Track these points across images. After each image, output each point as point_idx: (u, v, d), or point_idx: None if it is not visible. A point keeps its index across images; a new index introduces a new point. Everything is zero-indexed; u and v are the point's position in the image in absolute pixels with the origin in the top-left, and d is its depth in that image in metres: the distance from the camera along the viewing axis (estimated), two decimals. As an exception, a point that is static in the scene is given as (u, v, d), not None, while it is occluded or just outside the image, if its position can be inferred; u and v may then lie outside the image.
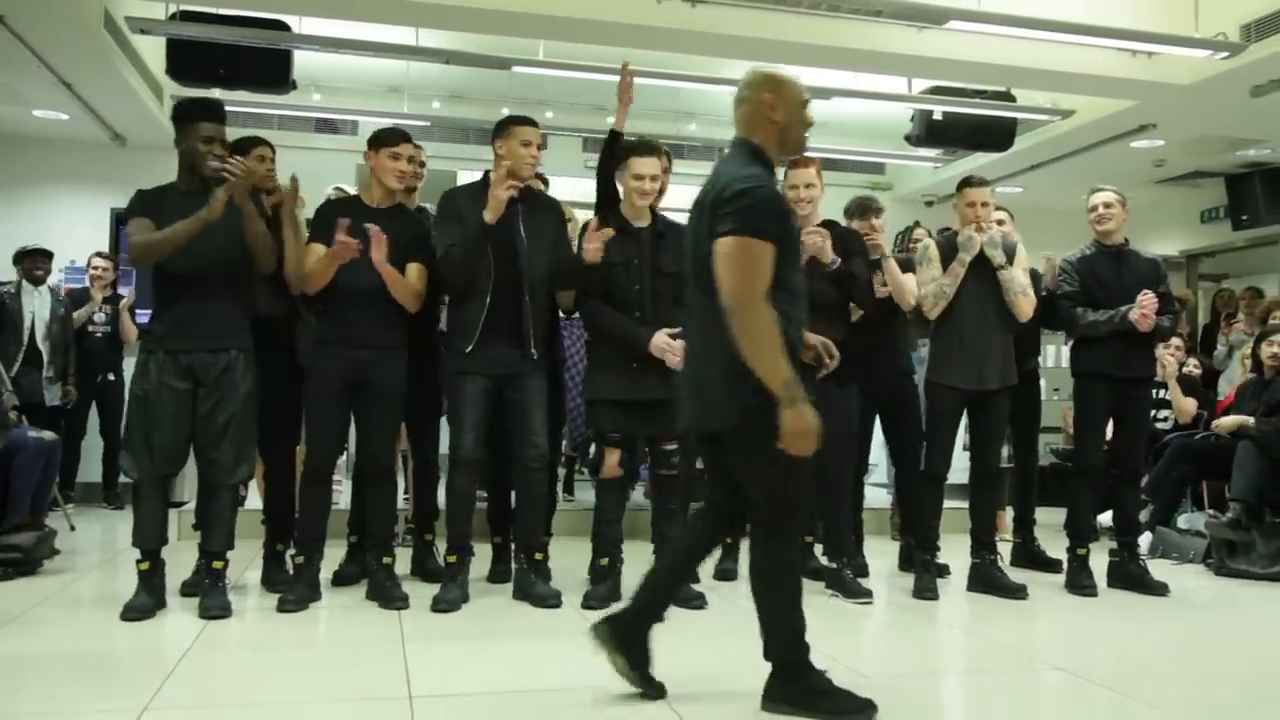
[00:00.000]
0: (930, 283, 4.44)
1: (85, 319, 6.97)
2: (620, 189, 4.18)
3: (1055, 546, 5.05)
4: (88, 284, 7.09)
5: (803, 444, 2.62)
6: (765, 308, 2.64)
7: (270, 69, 5.93)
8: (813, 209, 4.32)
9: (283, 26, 5.76)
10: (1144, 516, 5.41)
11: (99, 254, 7.12)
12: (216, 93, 6.18)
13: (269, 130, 7.58)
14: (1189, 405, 6.21)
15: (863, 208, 4.89)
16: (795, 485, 2.77)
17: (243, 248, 3.79)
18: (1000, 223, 4.74)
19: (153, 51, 6.34)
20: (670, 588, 3.04)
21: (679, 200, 4.28)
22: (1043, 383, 6.90)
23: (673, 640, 3.65)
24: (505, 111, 4.15)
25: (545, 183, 4.81)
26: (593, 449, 5.46)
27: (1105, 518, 5.29)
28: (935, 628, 4.03)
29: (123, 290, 7.44)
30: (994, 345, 4.42)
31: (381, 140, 4.11)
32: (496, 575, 4.45)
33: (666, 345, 3.97)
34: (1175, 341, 6.17)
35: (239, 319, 3.86)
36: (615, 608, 3.06)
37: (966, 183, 4.57)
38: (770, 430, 2.62)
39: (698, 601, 4.06)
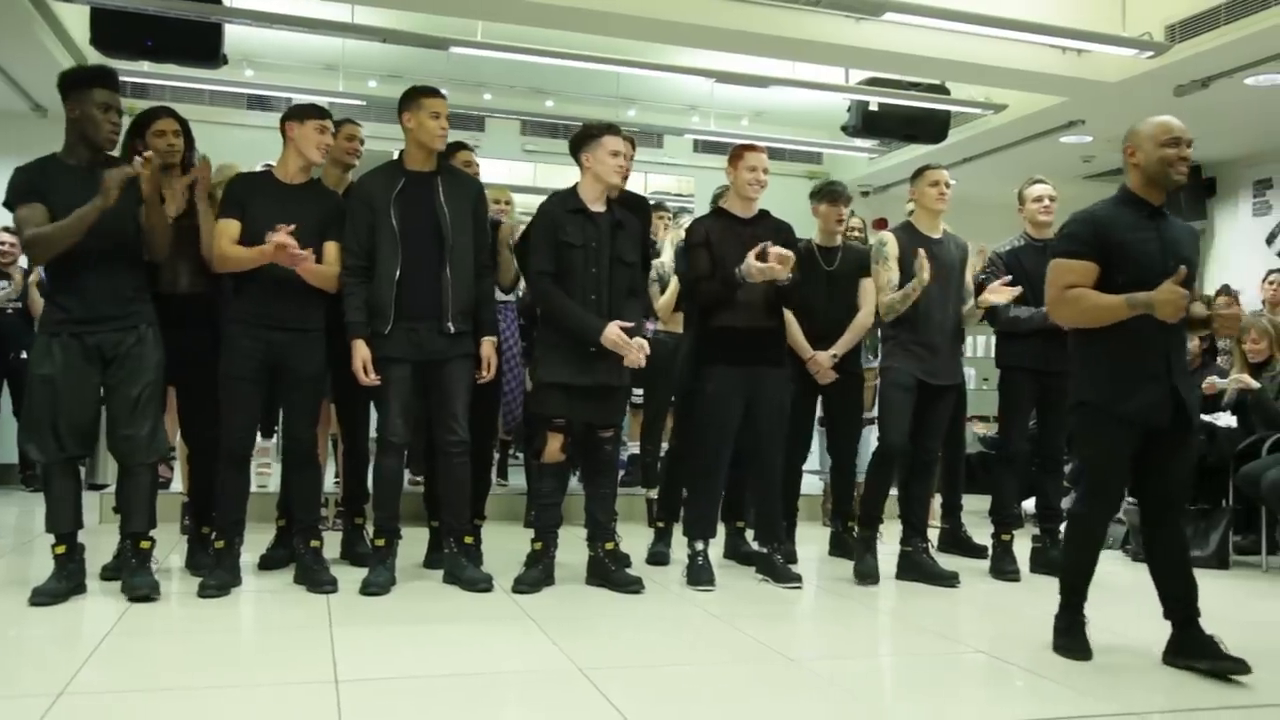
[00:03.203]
0: (887, 289, 4.42)
1: (6, 300, 6.74)
2: (588, 168, 4.08)
3: (980, 533, 5.15)
4: None
5: (1170, 311, 3.02)
6: (1070, 293, 3.19)
7: (200, 42, 5.79)
8: (762, 192, 4.34)
9: (214, -1, 5.64)
10: (1066, 503, 5.52)
11: (5, 228, 6.87)
12: (145, 66, 6.05)
13: (199, 105, 7.44)
14: None
15: (835, 194, 4.91)
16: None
17: (138, 229, 3.68)
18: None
19: (77, 20, 6.15)
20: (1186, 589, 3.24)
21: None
22: (971, 371, 7.00)
23: (604, 623, 3.68)
24: (444, 93, 4.09)
25: (470, 149, 4.72)
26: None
27: (1029, 505, 5.40)
28: (862, 612, 4.08)
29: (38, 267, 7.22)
30: (944, 344, 4.48)
31: (308, 113, 4.01)
32: (434, 561, 4.38)
33: (620, 340, 3.94)
34: None
35: (140, 293, 3.75)
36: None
37: (928, 166, 4.61)
38: None
39: (635, 586, 4.07)
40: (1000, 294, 4.44)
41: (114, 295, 3.66)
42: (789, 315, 4.62)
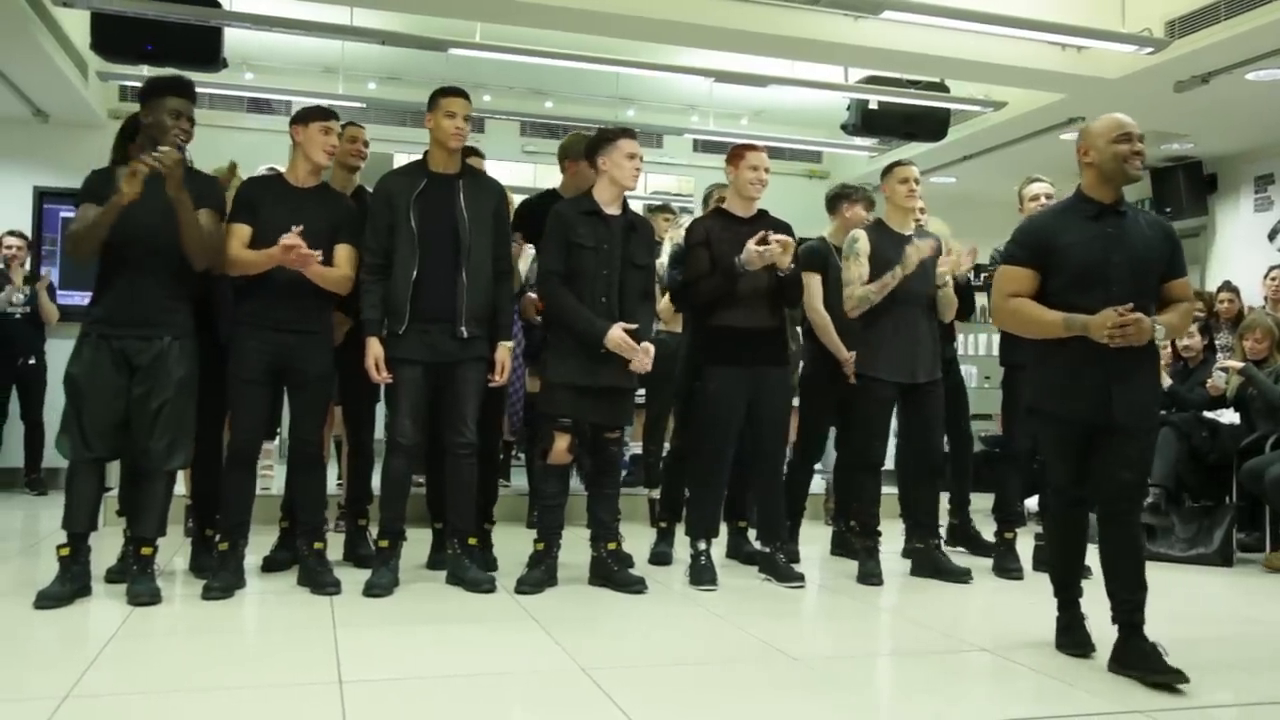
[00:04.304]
0: (856, 282, 4.41)
1: (6, 303, 6.76)
2: (604, 171, 4.08)
3: (983, 531, 5.14)
4: (1, 265, 6.85)
5: (1109, 334, 3.01)
6: (1011, 304, 3.25)
7: (200, 46, 5.81)
8: (763, 191, 4.35)
9: (212, 3, 5.65)
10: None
11: (11, 232, 6.88)
12: (145, 70, 6.04)
13: (199, 109, 7.36)
14: None
15: (871, 199, 4.91)
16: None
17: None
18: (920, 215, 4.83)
19: (77, 25, 6.16)
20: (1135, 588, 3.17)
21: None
22: (973, 370, 6.99)
23: (607, 623, 3.68)
24: (464, 93, 4.09)
25: (481, 155, 4.77)
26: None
27: (1032, 503, 5.39)
28: (864, 611, 4.09)
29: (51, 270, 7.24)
30: (923, 340, 4.46)
31: (312, 114, 4.02)
32: (436, 562, 4.38)
33: (625, 343, 3.95)
34: None
35: (176, 304, 3.74)
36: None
37: (897, 163, 4.62)
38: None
39: (638, 586, 4.07)
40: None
41: (142, 301, 3.67)
42: (825, 316, 4.65)
